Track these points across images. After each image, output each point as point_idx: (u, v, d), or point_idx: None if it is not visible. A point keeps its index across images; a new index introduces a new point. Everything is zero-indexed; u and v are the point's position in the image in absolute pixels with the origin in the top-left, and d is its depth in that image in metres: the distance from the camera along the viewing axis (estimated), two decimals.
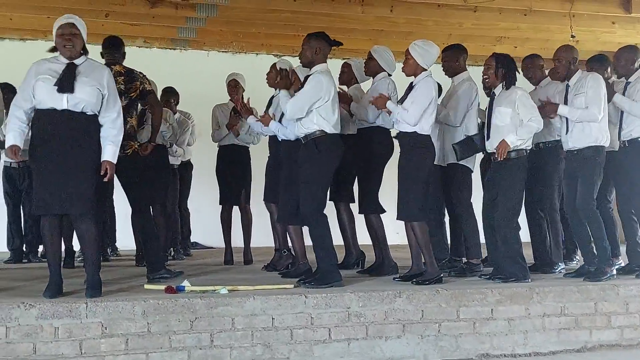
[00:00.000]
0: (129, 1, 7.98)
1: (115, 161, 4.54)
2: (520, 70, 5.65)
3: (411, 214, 5.12)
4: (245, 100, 6.21)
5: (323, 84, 5.00)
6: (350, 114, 5.87)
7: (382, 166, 5.56)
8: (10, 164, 7.08)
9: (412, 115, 5.06)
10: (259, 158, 6.72)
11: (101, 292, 4.45)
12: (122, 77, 5.15)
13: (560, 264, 5.96)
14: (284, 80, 5.31)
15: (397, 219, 5.22)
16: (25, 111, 4.44)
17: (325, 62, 5.17)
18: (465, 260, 5.78)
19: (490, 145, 5.35)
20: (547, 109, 5.46)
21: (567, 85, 5.50)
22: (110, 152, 4.51)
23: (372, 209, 5.75)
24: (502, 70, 5.32)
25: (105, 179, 4.49)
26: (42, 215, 4.50)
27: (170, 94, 7.50)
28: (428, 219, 5.31)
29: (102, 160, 4.49)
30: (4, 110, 5.15)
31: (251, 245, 7.08)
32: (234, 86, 6.81)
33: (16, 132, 4.43)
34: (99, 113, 4.51)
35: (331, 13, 8.28)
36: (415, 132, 5.11)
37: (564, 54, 5.49)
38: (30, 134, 4.50)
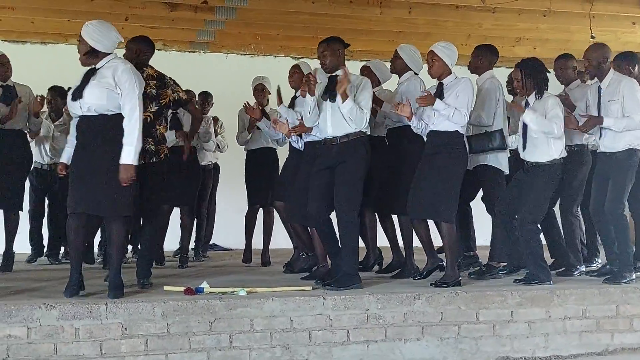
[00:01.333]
0: (148, 5, 8.03)
1: (130, 163, 4.43)
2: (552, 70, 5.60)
3: (444, 215, 5.04)
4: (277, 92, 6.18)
5: (370, 85, 5.10)
6: (375, 115, 5.83)
7: (413, 166, 5.51)
8: (42, 165, 7.19)
9: (464, 115, 5.01)
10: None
11: (123, 293, 4.48)
12: (154, 82, 5.14)
13: (579, 267, 5.90)
14: (312, 87, 5.28)
15: (416, 215, 5.17)
16: (73, 124, 4.68)
17: (345, 64, 5.19)
18: (486, 262, 5.74)
19: (528, 156, 5.30)
20: (590, 123, 5.34)
21: (600, 88, 5.43)
22: (123, 154, 4.44)
23: (404, 210, 5.66)
24: (529, 80, 5.26)
25: (124, 184, 4.44)
26: (69, 214, 4.54)
27: (207, 96, 7.75)
28: (454, 220, 5.20)
29: (121, 162, 4.50)
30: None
31: (271, 247, 7.11)
32: (260, 90, 6.84)
33: (70, 149, 4.67)
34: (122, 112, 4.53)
35: (349, 15, 8.28)
36: (457, 131, 5.07)
37: (594, 54, 5.41)
38: None
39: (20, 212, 6.45)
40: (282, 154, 6.90)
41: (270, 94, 6.82)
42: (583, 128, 5.39)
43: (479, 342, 4.67)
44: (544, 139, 5.21)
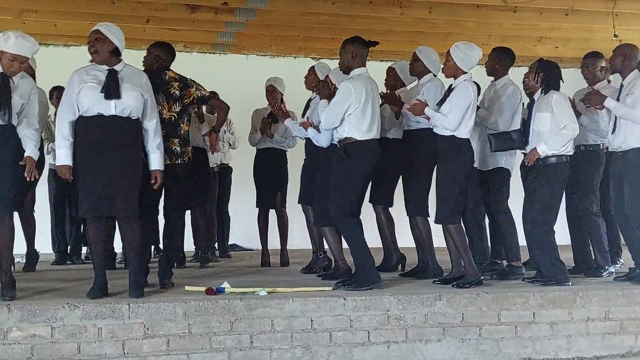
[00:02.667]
0: (169, 7, 8.08)
1: (163, 168, 4.66)
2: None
3: (445, 217, 5.08)
4: (281, 104, 6.26)
5: (351, 90, 4.98)
6: (397, 117, 5.83)
7: (431, 168, 5.50)
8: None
9: (452, 121, 5.01)
10: (296, 161, 6.75)
11: (144, 293, 4.51)
12: (177, 83, 5.19)
13: (608, 267, 5.85)
14: (325, 90, 5.31)
15: (434, 222, 5.20)
16: (70, 122, 4.52)
17: (364, 66, 5.15)
18: (507, 263, 5.71)
19: (536, 149, 5.27)
20: (593, 99, 5.35)
21: (622, 86, 5.40)
22: (157, 160, 4.65)
23: (418, 212, 5.67)
24: (541, 75, 5.26)
25: (155, 187, 4.60)
26: (87, 218, 4.58)
27: None
28: (460, 221, 5.23)
29: (151, 169, 4.62)
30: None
31: (288, 247, 7.12)
32: (271, 91, 6.84)
33: (68, 149, 4.50)
34: (141, 118, 4.61)
35: (369, 15, 8.27)
36: (453, 136, 5.07)
37: (627, 49, 5.41)
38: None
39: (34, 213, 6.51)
40: (291, 155, 6.94)
41: (282, 94, 6.84)
42: (588, 101, 5.38)
43: (500, 344, 4.65)
44: (550, 135, 5.17)
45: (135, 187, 4.52)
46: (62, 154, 4.50)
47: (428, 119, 5.16)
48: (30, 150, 4.55)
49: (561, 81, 5.33)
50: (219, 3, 7.94)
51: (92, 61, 4.60)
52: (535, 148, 5.20)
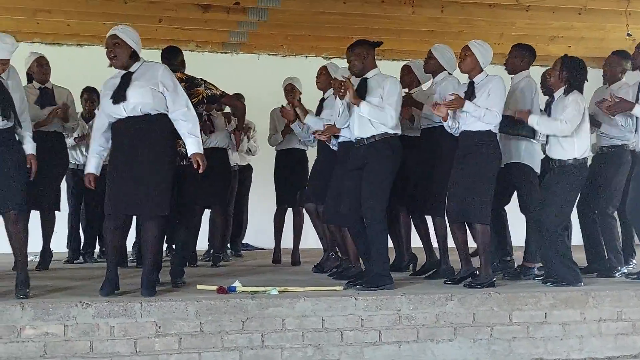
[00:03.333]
0: (181, 6, 8.11)
1: (202, 151, 4.64)
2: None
3: (477, 216, 5.00)
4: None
5: (399, 84, 5.06)
6: (412, 122, 5.76)
7: (447, 167, 5.49)
8: (78, 166, 7.27)
9: (496, 115, 4.96)
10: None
11: (155, 292, 4.54)
12: (184, 84, 5.21)
13: (620, 268, 5.81)
14: (345, 90, 5.26)
15: (453, 220, 5.12)
16: (103, 133, 4.68)
17: (376, 66, 5.16)
18: (521, 264, 5.68)
19: (549, 152, 5.24)
20: (618, 106, 5.29)
21: None
22: (193, 145, 4.61)
23: (439, 212, 5.56)
24: (564, 73, 5.17)
25: (201, 170, 4.61)
26: (106, 216, 4.62)
27: (239, 97, 7.73)
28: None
29: (190, 154, 4.62)
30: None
31: (301, 246, 7.14)
32: (290, 90, 6.86)
33: (96, 158, 4.70)
34: (166, 111, 4.60)
35: (381, 15, 8.26)
36: (489, 130, 5.02)
37: None
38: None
39: (56, 212, 6.56)
40: (312, 155, 6.94)
41: (301, 93, 6.85)
42: (612, 109, 5.31)
43: (512, 344, 4.63)
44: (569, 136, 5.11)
45: (161, 186, 4.52)
46: (91, 164, 4.72)
47: (445, 116, 5.08)
48: (32, 148, 4.65)
49: (586, 81, 5.21)
50: (231, 3, 7.96)
51: (110, 65, 4.66)
52: (528, 112, 5.14)
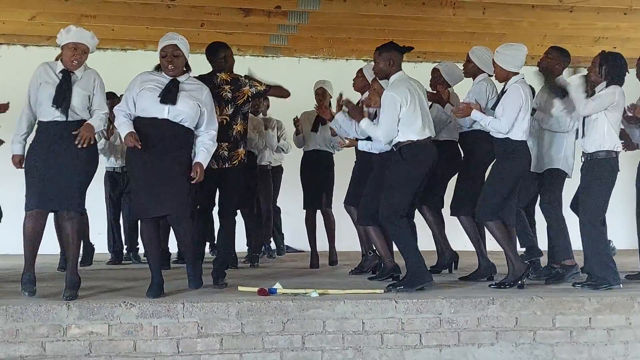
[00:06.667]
0: (223, 10, 8.17)
1: (205, 166, 4.74)
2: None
3: (483, 214, 5.12)
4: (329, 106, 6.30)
5: (395, 97, 5.01)
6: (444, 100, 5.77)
7: (482, 171, 5.47)
8: (114, 169, 7.39)
9: (504, 124, 5.00)
10: (344, 163, 6.78)
11: (202, 283, 4.78)
12: (229, 85, 5.26)
13: None
14: (375, 99, 5.33)
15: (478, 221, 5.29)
16: (126, 115, 4.68)
17: (400, 70, 5.20)
18: (560, 265, 5.60)
19: (585, 144, 5.16)
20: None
21: None
22: (203, 156, 4.73)
23: (472, 213, 5.56)
24: (604, 68, 5.11)
25: (193, 182, 4.65)
26: (140, 219, 4.69)
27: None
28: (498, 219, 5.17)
29: (193, 162, 4.69)
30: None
31: (337, 249, 7.14)
32: (321, 94, 6.90)
33: (128, 123, 4.63)
34: (195, 129, 4.73)
35: (422, 16, 8.21)
36: (508, 138, 5.04)
37: None
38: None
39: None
40: (339, 158, 6.95)
41: (331, 97, 6.87)
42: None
43: (554, 349, 4.57)
44: (601, 127, 5.04)
45: (185, 187, 4.62)
46: (126, 126, 4.60)
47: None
48: (93, 121, 4.59)
49: (627, 72, 5.16)
50: (271, 6, 8.00)
51: (156, 68, 4.75)
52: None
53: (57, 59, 4.79)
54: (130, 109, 4.67)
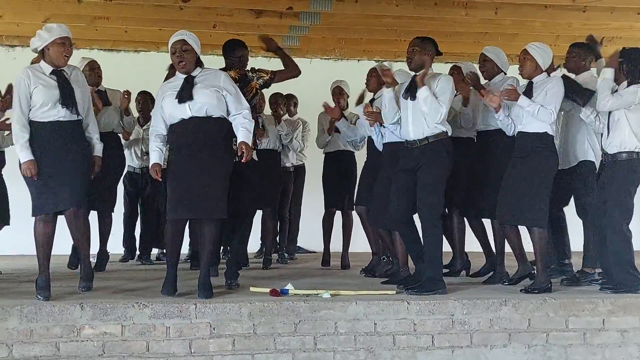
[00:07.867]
0: (235, 12, 8.20)
1: (250, 143, 4.73)
2: None
3: (533, 220, 4.94)
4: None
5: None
6: (466, 101, 5.69)
7: (502, 169, 5.42)
8: (134, 169, 7.43)
9: (551, 113, 4.89)
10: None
11: (212, 294, 4.61)
12: (238, 83, 5.28)
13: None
14: (389, 79, 5.23)
15: (506, 222, 5.09)
16: (158, 135, 4.75)
17: (431, 66, 5.16)
18: (580, 269, 5.56)
19: (607, 145, 5.09)
20: None
21: None
22: (243, 134, 4.69)
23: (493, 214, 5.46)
24: (625, 65, 5.06)
25: (243, 160, 4.65)
26: (168, 220, 4.70)
27: (291, 97, 7.82)
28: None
29: (239, 141, 4.68)
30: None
31: (351, 250, 7.12)
32: (338, 93, 6.90)
33: (157, 152, 4.74)
34: (227, 115, 4.70)
35: (434, 17, 8.19)
36: (546, 132, 4.95)
37: None
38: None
39: (112, 213, 6.69)
40: (361, 158, 6.94)
41: (348, 97, 6.86)
42: None
43: (568, 350, 4.56)
44: (623, 128, 4.98)
45: (222, 189, 4.62)
46: (153, 156, 4.75)
47: (498, 107, 5.04)
48: (99, 149, 4.81)
49: None
50: (283, 7, 8.01)
51: (171, 68, 4.76)
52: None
53: (33, 63, 4.84)
54: (160, 126, 4.74)
